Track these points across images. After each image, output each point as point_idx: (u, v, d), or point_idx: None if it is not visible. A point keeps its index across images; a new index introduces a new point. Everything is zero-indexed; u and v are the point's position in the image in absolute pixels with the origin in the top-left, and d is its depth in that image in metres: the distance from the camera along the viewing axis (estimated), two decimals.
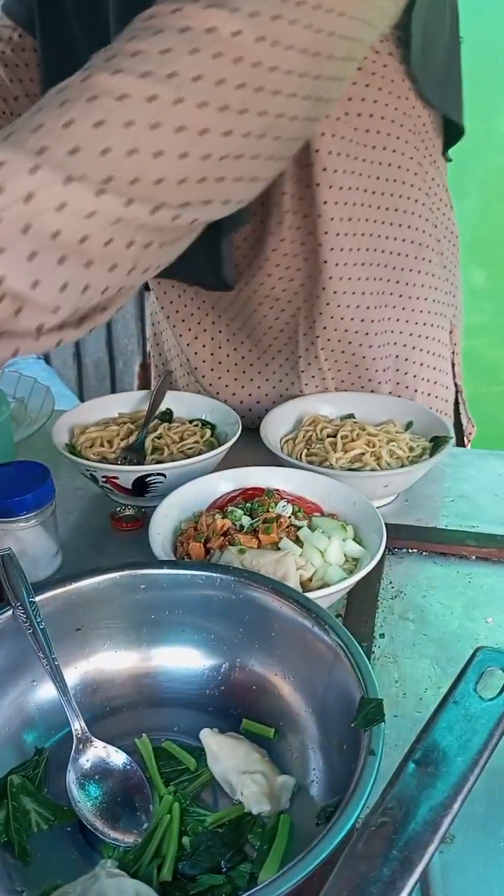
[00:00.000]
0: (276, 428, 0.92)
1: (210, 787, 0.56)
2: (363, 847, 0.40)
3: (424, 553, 0.82)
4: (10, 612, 0.59)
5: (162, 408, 0.98)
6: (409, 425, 0.94)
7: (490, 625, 0.72)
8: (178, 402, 0.99)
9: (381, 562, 0.79)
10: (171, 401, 0.99)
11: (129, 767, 0.55)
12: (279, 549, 0.70)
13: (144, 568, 0.65)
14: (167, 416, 0.98)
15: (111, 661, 0.64)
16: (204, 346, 1.06)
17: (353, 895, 0.38)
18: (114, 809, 0.52)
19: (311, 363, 1.00)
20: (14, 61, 0.91)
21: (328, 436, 0.90)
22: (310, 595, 0.62)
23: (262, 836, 0.51)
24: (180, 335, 1.07)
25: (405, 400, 1.01)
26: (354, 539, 0.73)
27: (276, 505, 0.75)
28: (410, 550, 0.82)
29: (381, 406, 0.96)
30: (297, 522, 0.73)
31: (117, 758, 0.55)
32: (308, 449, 0.89)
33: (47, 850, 0.51)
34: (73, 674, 0.62)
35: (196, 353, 1.06)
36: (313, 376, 1.01)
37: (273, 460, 0.90)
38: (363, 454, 0.86)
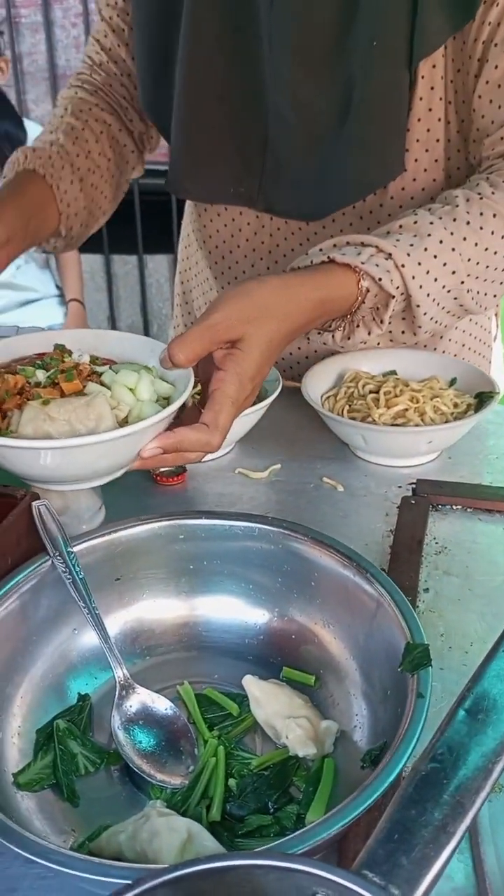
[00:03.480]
0: (317, 384, 0.91)
1: (253, 732, 0.56)
2: (414, 791, 0.39)
3: (469, 510, 0.80)
4: (49, 562, 0.59)
5: None
6: (452, 381, 0.92)
7: None
8: None
9: (424, 517, 0.78)
10: None
11: (172, 713, 0.55)
12: (85, 395, 0.63)
13: (183, 518, 0.64)
14: None
15: (151, 610, 0.64)
16: None
17: (405, 838, 0.37)
18: (159, 753, 0.53)
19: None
20: (121, 26, 0.96)
21: (370, 392, 0.88)
22: (131, 427, 0.59)
23: (307, 779, 0.51)
24: (222, 286, 1.06)
25: (448, 356, 0.99)
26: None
27: (70, 356, 0.68)
28: (454, 507, 0.80)
29: (423, 362, 0.94)
30: (99, 368, 0.67)
31: (160, 703, 0.56)
32: (350, 405, 0.88)
33: (95, 792, 0.52)
34: (114, 622, 0.62)
35: None
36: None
37: (316, 419, 0.89)
38: (406, 410, 0.85)
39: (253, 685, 0.56)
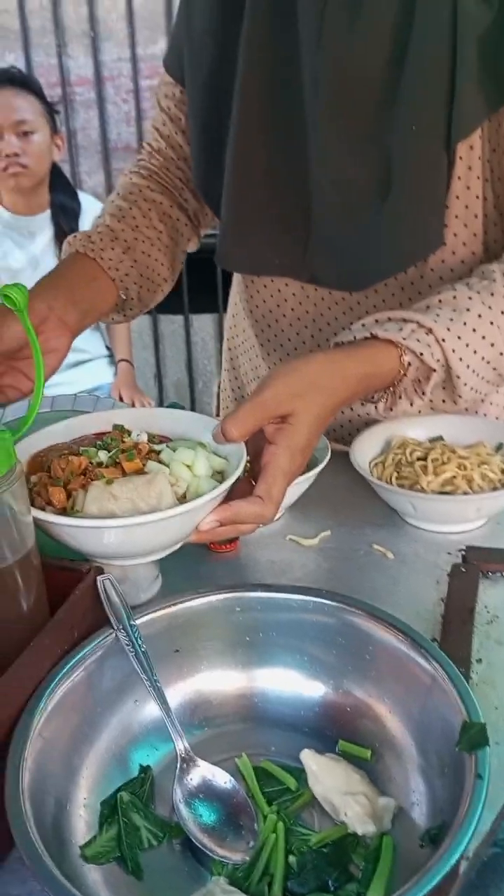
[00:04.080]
0: (364, 451, 0.93)
1: (310, 807, 0.57)
2: (476, 877, 0.40)
3: None
4: (114, 635, 0.62)
5: None
6: (499, 447, 0.93)
7: None
8: None
9: (475, 585, 0.78)
10: None
11: (232, 787, 0.56)
12: (146, 474, 0.66)
13: (239, 591, 0.66)
14: None
15: (209, 681, 0.65)
16: None
17: None
18: (220, 827, 0.54)
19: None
20: (178, 115, 1.03)
21: (418, 458, 0.90)
22: (191, 504, 0.61)
23: (366, 857, 0.51)
24: (268, 353, 1.10)
25: (495, 421, 1.00)
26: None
27: (129, 435, 0.72)
28: None
29: (469, 427, 0.96)
30: (156, 447, 0.70)
31: (220, 777, 0.57)
32: (398, 472, 0.89)
33: (158, 866, 0.53)
34: (172, 694, 0.63)
35: None
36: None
37: (364, 485, 0.91)
38: (454, 477, 0.86)
39: (311, 759, 0.57)
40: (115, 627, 0.62)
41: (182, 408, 1.06)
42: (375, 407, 0.81)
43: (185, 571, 0.83)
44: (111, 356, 2.38)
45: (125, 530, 0.62)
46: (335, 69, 0.84)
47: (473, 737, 0.50)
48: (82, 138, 2.78)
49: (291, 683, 0.65)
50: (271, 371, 0.70)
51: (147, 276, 1.00)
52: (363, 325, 0.78)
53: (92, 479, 0.66)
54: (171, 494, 0.65)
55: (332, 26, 0.81)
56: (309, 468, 0.89)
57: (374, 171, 0.86)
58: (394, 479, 0.89)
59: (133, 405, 2.25)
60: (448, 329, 0.76)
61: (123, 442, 0.71)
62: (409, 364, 0.76)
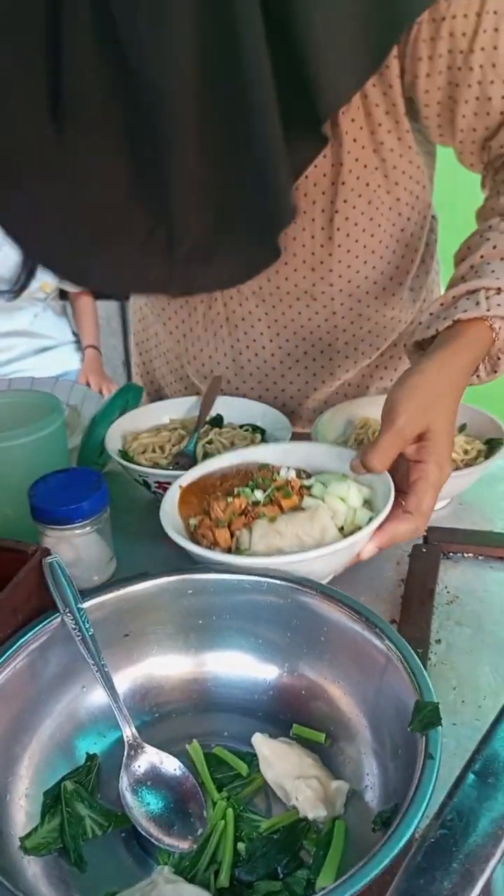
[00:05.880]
0: (327, 431, 0.91)
1: (262, 793, 0.55)
2: (423, 860, 0.38)
3: (480, 557, 0.80)
4: (60, 618, 0.59)
5: (212, 413, 0.98)
6: (462, 427, 0.92)
7: None
8: (229, 408, 0.99)
9: (436, 566, 0.77)
10: (221, 406, 0.99)
11: (181, 773, 0.54)
12: (303, 509, 0.69)
13: (191, 573, 0.64)
14: (218, 422, 0.98)
15: (159, 666, 0.64)
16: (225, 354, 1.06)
17: None
18: (168, 815, 0.52)
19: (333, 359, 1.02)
20: None
21: None
22: (357, 536, 0.63)
23: (317, 842, 0.50)
24: (189, 361, 1.09)
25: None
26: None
27: (277, 473, 0.74)
28: (466, 555, 0.80)
29: None
30: (306, 482, 0.72)
31: (170, 764, 0.55)
32: None
33: (102, 857, 0.51)
34: (122, 679, 0.62)
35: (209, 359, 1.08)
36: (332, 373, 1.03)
37: None
38: None
39: (262, 744, 0.56)
40: (62, 611, 0.60)
41: (140, 389, 1.04)
42: (477, 377, 0.79)
43: (140, 553, 0.81)
44: (78, 342, 2.34)
45: (295, 565, 0.63)
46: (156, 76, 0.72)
47: (426, 717, 0.48)
48: None
49: (245, 667, 0.63)
50: (393, 396, 0.69)
51: None
52: (435, 316, 0.77)
53: (252, 518, 0.68)
54: (334, 528, 0.67)
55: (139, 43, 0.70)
56: None
57: (222, 167, 0.78)
58: None
59: (101, 392, 2.22)
60: None
61: (275, 480, 0.72)
62: (500, 328, 0.75)
